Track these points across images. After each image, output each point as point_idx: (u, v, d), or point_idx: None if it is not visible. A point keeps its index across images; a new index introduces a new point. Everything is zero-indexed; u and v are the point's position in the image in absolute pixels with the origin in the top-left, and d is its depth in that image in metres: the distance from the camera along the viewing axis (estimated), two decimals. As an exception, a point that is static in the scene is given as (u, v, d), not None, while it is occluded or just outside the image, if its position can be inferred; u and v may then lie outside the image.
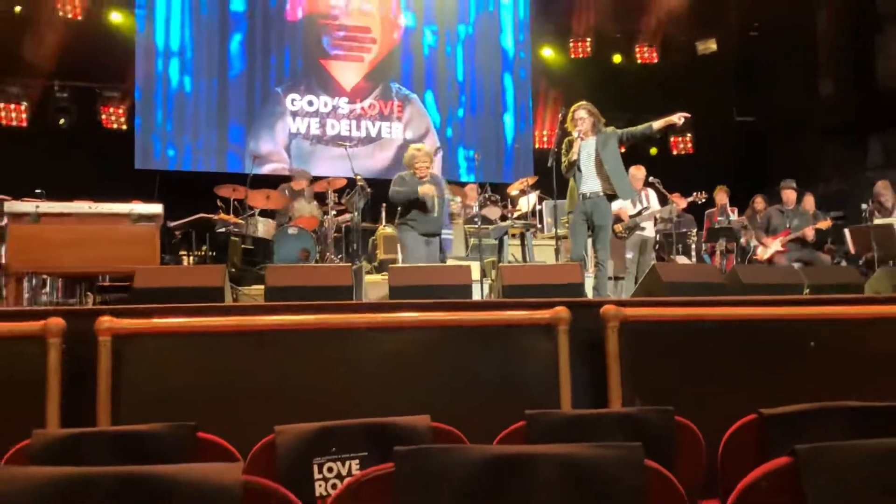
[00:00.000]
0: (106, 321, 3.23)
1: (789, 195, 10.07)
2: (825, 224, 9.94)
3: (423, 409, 3.32)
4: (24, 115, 11.98)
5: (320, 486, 2.07)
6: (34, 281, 8.35)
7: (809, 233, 9.66)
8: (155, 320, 3.38)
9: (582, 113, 7.13)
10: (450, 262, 8.11)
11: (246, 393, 3.37)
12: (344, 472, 2.08)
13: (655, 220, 9.68)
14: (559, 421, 2.13)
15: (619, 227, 8.87)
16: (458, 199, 10.07)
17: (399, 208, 7.73)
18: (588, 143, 7.10)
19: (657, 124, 7.39)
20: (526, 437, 2.12)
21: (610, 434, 2.08)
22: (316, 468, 2.07)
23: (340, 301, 4.92)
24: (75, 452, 2.00)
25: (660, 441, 2.11)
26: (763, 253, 9.88)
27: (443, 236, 7.76)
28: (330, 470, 2.08)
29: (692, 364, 3.68)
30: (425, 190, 7.46)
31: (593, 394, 3.50)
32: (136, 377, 3.27)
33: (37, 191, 8.51)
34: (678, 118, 7.41)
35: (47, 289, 8.82)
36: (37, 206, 6.11)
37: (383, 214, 10.36)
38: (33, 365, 3.16)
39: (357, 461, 2.09)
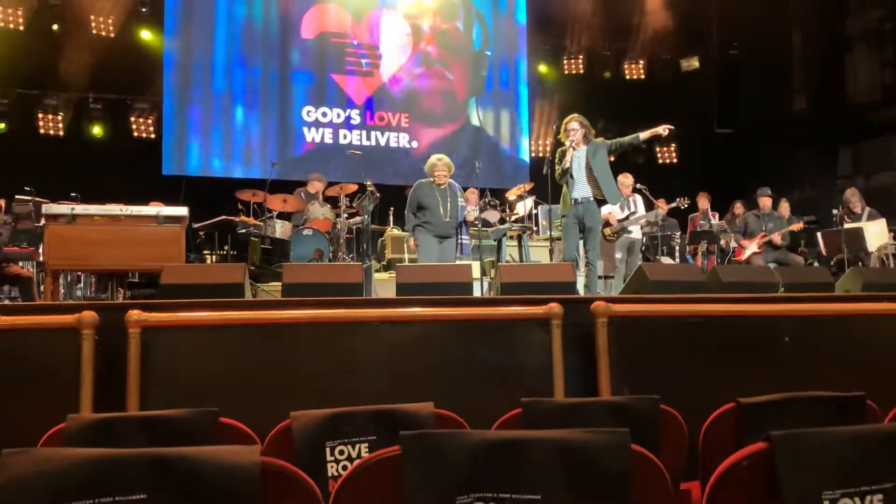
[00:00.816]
0: (135, 315, 3.23)
1: (765, 201, 10.09)
2: (798, 226, 9.96)
3: (427, 396, 3.32)
4: (60, 125, 12.00)
5: (332, 467, 2.07)
6: (69, 277, 8.39)
7: (777, 238, 9.69)
8: (181, 314, 3.38)
9: (574, 125, 7.16)
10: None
11: (263, 381, 3.37)
12: (354, 455, 2.08)
13: (642, 224, 9.69)
14: (553, 408, 2.13)
15: (608, 231, 8.87)
16: (473, 207, 10.06)
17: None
18: (579, 152, 7.13)
19: (644, 135, 7.42)
20: (522, 423, 2.12)
21: (600, 420, 2.07)
22: (328, 451, 2.07)
23: (352, 297, 4.94)
24: (107, 435, 2.00)
25: (645, 427, 2.11)
26: (741, 254, 9.89)
27: (462, 241, 7.80)
28: (341, 452, 2.07)
29: (675, 356, 3.68)
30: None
31: (584, 383, 3.49)
32: (162, 366, 3.27)
33: (72, 194, 8.52)
34: (663, 129, 7.43)
35: (81, 284, 8.86)
36: (72, 209, 6.12)
37: (391, 217, 10.38)
38: (68, 355, 3.16)
39: (366, 444, 2.09)
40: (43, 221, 6.13)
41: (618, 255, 9.32)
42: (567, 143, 7.11)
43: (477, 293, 6.96)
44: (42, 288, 7.36)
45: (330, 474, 2.06)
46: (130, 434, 2.01)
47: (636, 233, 9.49)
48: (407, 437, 1.41)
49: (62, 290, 7.79)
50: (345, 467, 2.05)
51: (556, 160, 7.23)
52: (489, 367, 3.52)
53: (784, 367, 3.72)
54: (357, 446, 2.08)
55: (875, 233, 9.18)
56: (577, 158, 7.11)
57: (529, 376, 3.49)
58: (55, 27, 11.93)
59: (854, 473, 1.42)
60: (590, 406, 2.12)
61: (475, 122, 14.13)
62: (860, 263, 9.14)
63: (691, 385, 3.55)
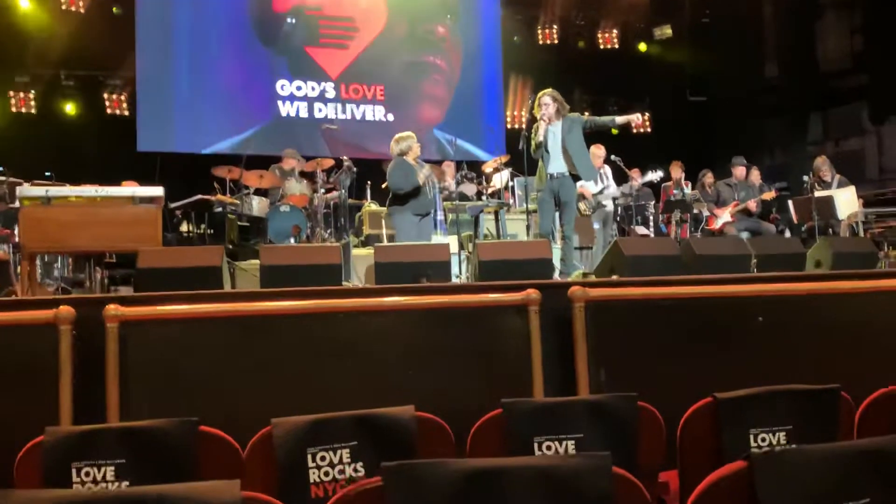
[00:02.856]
0: (112, 309, 3.18)
1: (739, 170, 10.14)
2: (770, 195, 10.02)
3: (408, 388, 3.34)
4: (32, 103, 11.77)
5: (314, 473, 2.05)
6: (46, 258, 8.28)
7: (752, 205, 9.77)
8: (158, 308, 3.34)
9: (546, 99, 7.14)
10: (434, 238, 8.11)
11: (243, 373, 3.35)
12: (336, 461, 2.06)
13: (616, 195, 9.73)
14: (532, 409, 2.13)
15: (583, 206, 8.86)
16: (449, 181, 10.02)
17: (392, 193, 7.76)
18: (555, 126, 7.11)
19: (619, 119, 7.47)
20: (503, 425, 2.12)
21: (579, 421, 2.08)
22: (310, 457, 2.05)
23: (332, 279, 4.91)
24: (86, 448, 1.97)
25: (624, 425, 2.12)
26: (715, 223, 9.94)
27: (438, 218, 7.79)
28: (323, 459, 2.06)
29: (651, 339, 3.69)
30: (423, 177, 7.55)
31: (562, 367, 3.50)
32: (141, 361, 3.24)
33: (46, 173, 8.40)
34: (636, 118, 7.44)
35: (59, 264, 8.75)
36: (47, 191, 6.00)
37: (368, 192, 10.32)
38: (46, 351, 3.12)
39: (347, 450, 2.07)
40: (17, 204, 6.03)
41: (596, 226, 9.34)
42: (539, 118, 7.09)
43: (455, 268, 6.96)
44: (19, 270, 7.25)
45: (312, 480, 2.04)
46: (109, 447, 1.98)
47: (609, 205, 9.53)
48: (389, 468, 1.40)
49: (39, 272, 7.70)
50: (326, 473, 2.04)
51: (532, 135, 7.21)
52: (468, 355, 3.51)
53: (758, 346, 3.74)
54: (339, 452, 2.06)
55: (845, 200, 9.25)
56: (552, 133, 7.10)
57: (509, 363, 3.48)
58: (24, 3, 11.65)
59: (832, 491, 1.43)
60: (570, 405, 2.12)
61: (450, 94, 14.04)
62: (830, 231, 9.24)
63: (666, 367, 3.58)
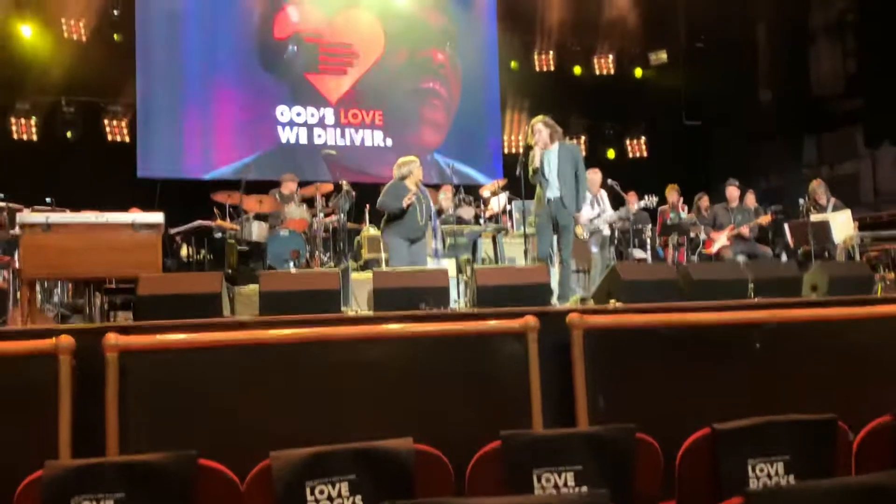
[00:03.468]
0: (112, 338, 3.18)
1: (732, 192, 10.18)
2: (766, 219, 10.04)
3: (406, 417, 3.32)
4: (34, 129, 11.79)
5: (313, 506, 2.04)
6: (46, 283, 8.27)
7: (745, 230, 9.79)
8: (158, 337, 3.33)
9: (539, 126, 7.19)
10: (430, 263, 8.09)
11: (243, 401, 3.33)
12: (334, 494, 2.05)
13: (613, 220, 9.75)
14: (531, 441, 2.12)
15: (579, 230, 8.87)
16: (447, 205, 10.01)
17: (385, 215, 7.78)
18: (551, 152, 7.14)
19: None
20: (502, 457, 2.11)
21: (577, 454, 2.07)
22: (308, 490, 2.04)
23: (330, 305, 4.90)
24: (85, 483, 1.96)
25: (622, 457, 2.11)
26: (711, 247, 9.96)
27: (436, 246, 7.78)
28: (321, 492, 2.05)
29: (649, 366, 3.68)
30: (407, 201, 7.52)
31: (561, 395, 3.49)
32: (140, 390, 3.23)
33: (46, 199, 8.39)
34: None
35: (59, 290, 8.73)
36: (47, 217, 5.99)
37: (367, 216, 10.33)
38: (45, 380, 3.11)
39: (346, 483, 2.06)
40: (18, 230, 6.03)
41: (593, 250, 9.35)
42: (534, 145, 7.14)
43: (453, 292, 6.96)
44: (19, 296, 7.24)
45: (311, 514, 2.03)
46: (108, 481, 1.97)
47: (605, 229, 9.56)
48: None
49: (39, 297, 7.68)
50: (325, 507, 2.03)
51: (529, 161, 7.24)
52: (467, 383, 3.50)
53: (756, 373, 3.74)
54: (337, 485, 2.05)
55: (841, 224, 9.26)
56: (548, 158, 7.13)
57: (508, 390, 3.47)
58: (27, 32, 11.71)
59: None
60: (568, 437, 2.11)
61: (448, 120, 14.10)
62: (827, 254, 9.24)
63: (666, 396, 3.57)
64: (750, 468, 2.15)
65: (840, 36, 14.04)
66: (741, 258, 9.44)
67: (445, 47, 14.12)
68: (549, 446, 2.09)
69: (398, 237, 7.60)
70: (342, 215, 9.20)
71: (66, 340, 3.16)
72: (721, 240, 9.87)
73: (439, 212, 9.14)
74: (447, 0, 14.24)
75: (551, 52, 14.80)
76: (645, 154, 15.16)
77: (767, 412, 2.53)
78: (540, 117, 7.28)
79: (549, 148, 7.13)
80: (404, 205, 7.56)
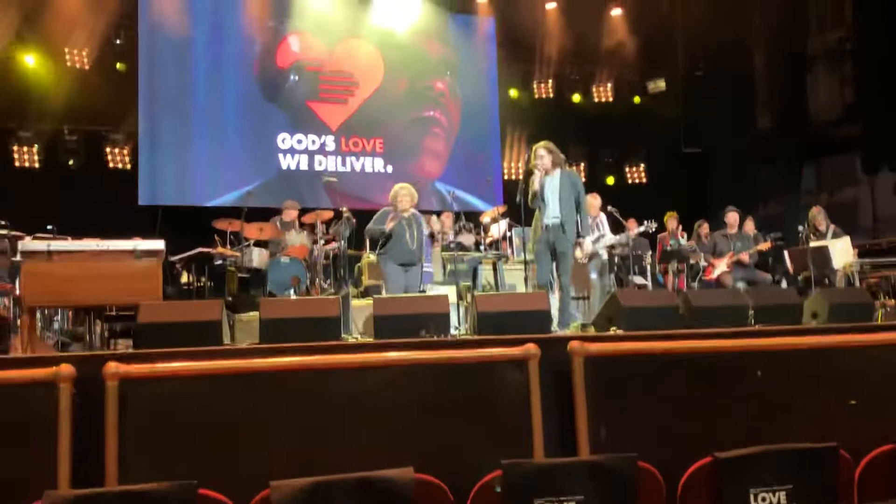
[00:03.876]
0: (112, 367, 3.17)
1: (732, 219, 10.18)
2: (766, 246, 10.04)
3: (407, 446, 3.31)
4: (36, 157, 11.84)
5: (313, 536, 2.03)
6: (46, 311, 8.26)
7: (745, 257, 9.80)
8: (158, 365, 3.32)
9: (541, 151, 7.22)
10: (429, 290, 8.09)
11: (243, 429, 3.32)
12: (335, 524, 2.05)
13: (613, 245, 9.77)
14: (532, 470, 2.11)
15: (578, 254, 8.87)
16: (447, 231, 10.01)
17: (379, 241, 7.80)
18: (552, 177, 7.16)
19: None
20: (502, 485, 2.09)
21: (579, 483, 2.06)
22: (309, 520, 2.03)
23: (330, 332, 4.89)
24: (84, 513, 1.95)
25: (624, 486, 2.10)
26: (711, 273, 9.95)
27: (424, 269, 7.76)
28: (322, 522, 2.04)
29: (651, 394, 3.66)
30: (390, 221, 7.61)
31: (562, 423, 3.46)
32: (141, 419, 3.21)
33: (48, 227, 8.41)
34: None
35: (59, 317, 8.71)
36: (48, 245, 6.01)
37: (367, 243, 10.33)
38: (45, 409, 3.10)
39: (347, 513, 2.05)
40: (19, 257, 6.03)
41: (592, 276, 9.35)
42: (535, 170, 7.17)
43: (453, 319, 6.94)
44: (19, 323, 7.22)
45: (311, 544, 2.02)
46: (108, 512, 1.96)
47: (604, 254, 9.57)
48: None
49: (39, 325, 7.67)
50: (326, 536, 2.02)
51: (528, 185, 7.26)
52: (468, 411, 3.48)
53: (757, 400, 3.71)
54: (338, 515, 2.05)
55: (840, 250, 9.29)
56: (549, 184, 7.13)
57: (509, 418, 3.45)
58: (30, 60, 11.81)
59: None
60: (569, 467, 2.10)
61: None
62: (826, 281, 9.24)
63: (667, 423, 3.54)
64: (752, 497, 2.14)
65: (838, 63, 14.15)
66: (741, 284, 9.45)
67: (446, 76, 14.23)
68: (551, 475, 2.08)
69: (392, 262, 7.64)
70: (342, 242, 9.20)
71: (67, 369, 3.15)
72: (721, 266, 9.87)
73: (431, 235, 9.15)
74: (447, 30, 14.35)
75: (550, 81, 14.92)
76: (644, 181, 15.22)
77: (769, 440, 2.52)
78: (543, 143, 7.31)
79: (550, 174, 7.15)
80: (387, 228, 7.58)
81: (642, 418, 3.60)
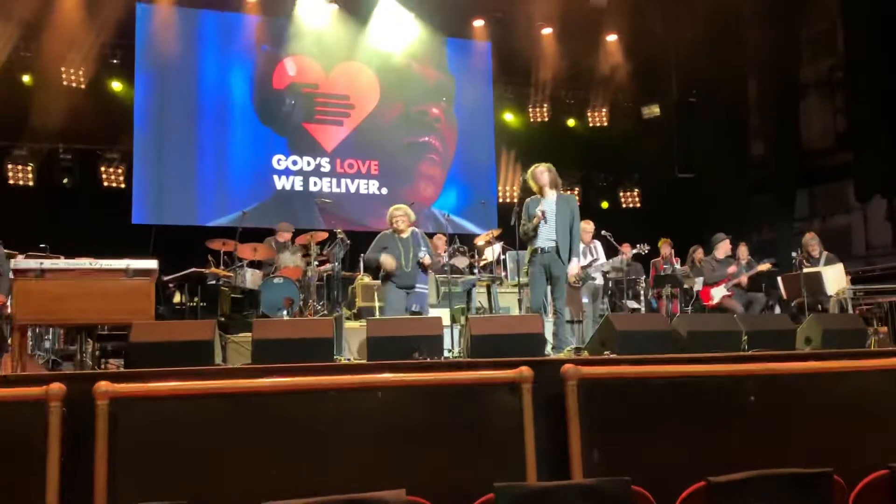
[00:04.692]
0: (103, 386, 3.15)
1: (724, 247, 10.20)
2: (766, 267, 10.04)
3: (399, 468, 3.29)
4: (30, 176, 11.84)
5: (304, 558, 2.01)
6: (37, 329, 8.21)
7: (744, 279, 9.83)
8: (149, 385, 3.30)
9: (542, 168, 7.21)
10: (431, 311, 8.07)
11: (233, 450, 3.30)
12: (326, 546, 2.03)
13: (606, 269, 9.79)
14: (524, 493, 2.10)
15: (572, 278, 8.87)
16: (440, 253, 9.98)
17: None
18: (549, 200, 7.13)
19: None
20: (495, 509, 2.08)
21: (572, 506, 2.05)
22: (300, 542, 2.01)
23: (323, 353, 4.87)
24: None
25: (617, 510, 2.09)
26: (710, 298, 9.95)
27: (417, 290, 7.69)
28: (313, 544, 2.02)
29: (644, 418, 3.66)
30: (384, 261, 7.52)
31: (555, 446, 3.45)
32: (130, 439, 3.19)
33: (41, 245, 8.39)
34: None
35: (50, 336, 8.67)
36: (41, 263, 5.98)
37: (361, 265, 10.31)
38: (35, 427, 3.08)
39: (338, 535, 2.04)
40: (11, 276, 6.00)
41: (585, 300, 9.35)
42: (535, 189, 7.17)
43: (447, 341, 6.92)
44: (10, 341, 7.18)
45: (302, 566, 2.00)
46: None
47: (598, 279, 9.57)
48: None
49: (30, 343, 7.62)
50: (316, 558, 2.00)
51: (523, 213, 7.23)
52: (461, 434, 3.46)
53: (750, 425, 3.71)
54: (329, 537, 2.03)
55: (833, 277, 9.31)
56: (547, 206, 7.09)
57: (501, 441, 3.43)
58: (26, 79, 11.84)
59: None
60: (562, 490, 2.09)
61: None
62: (820, 307, 9.26)
63: (660, 448, 3.54)
64: (746, 522, 2.13)
65: (830, 91, 14.27)
66: (739, 309, 9.48)
67: (441, 102, 14.29)
68: (543, 498, 2.07)
69: (393, 285, 7.56)
70: (336, 263, 9.19)
71: (58, 388, 3.13)
72: (721, 290, 9.88)
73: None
74: (443, 55, 14.42)
75: (546, 105, 15.00)
76: (638, 205, 15.27)
77: (763, 465, 2.51)
78: (542, 164, 7.32)
79: (547, 196, 7.14)
80: (380, 258, 7.54)
81: (636, 442, 3.59)
